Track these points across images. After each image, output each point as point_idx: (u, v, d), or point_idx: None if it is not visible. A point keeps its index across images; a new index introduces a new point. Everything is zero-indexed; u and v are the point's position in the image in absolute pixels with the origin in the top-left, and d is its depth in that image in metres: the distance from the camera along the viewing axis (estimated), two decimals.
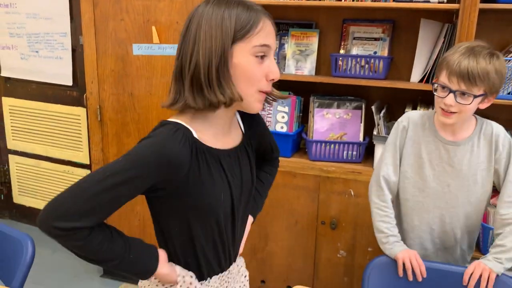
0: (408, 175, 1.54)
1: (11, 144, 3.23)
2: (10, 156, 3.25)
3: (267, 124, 2.17)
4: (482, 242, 1.97)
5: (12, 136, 3.20)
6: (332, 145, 2.13)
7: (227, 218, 1.06)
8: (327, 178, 2.09)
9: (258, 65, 0.97)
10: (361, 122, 2.15)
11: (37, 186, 3.21)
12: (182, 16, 2.11)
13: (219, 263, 1.10)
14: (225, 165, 1.04)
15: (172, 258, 1.06)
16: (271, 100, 1.08)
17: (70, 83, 2.82)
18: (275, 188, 2.17)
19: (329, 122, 2.16)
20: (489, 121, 1.51)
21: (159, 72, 2.22)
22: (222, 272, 1.12)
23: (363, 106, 2.15)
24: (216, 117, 1.02)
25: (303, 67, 2.30)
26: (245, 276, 1.25)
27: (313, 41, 2.29)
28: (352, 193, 2.06)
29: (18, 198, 3.32)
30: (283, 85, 2.30)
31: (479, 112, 1.48)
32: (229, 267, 1.14)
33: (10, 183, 3.32)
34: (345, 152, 2.13)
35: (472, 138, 1.47)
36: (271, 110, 2.18)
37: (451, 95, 1.35)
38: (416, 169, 1.52)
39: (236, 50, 0.95)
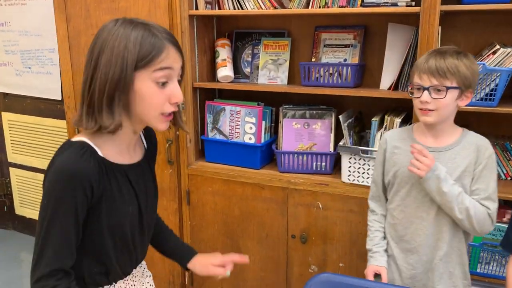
0: (393, 187, 1.53)
1: (11, 157, 3.34)
2: (10, 169, 3.36)
3: (236, 135, 2.14)
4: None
5: (12, 149, 3.31)
6: (301, 156, 2.06)
7: (134, 227, 1.11)
8: (295, 190, 2.02)
9: (159, 90, 1.00)
10: (331, 132, 2.07)
11: (35, 198, 3.30)
12: None
13: (124, 270, 1.14)
14: (132, 178, 1.09)
15: (78, 271, 1.05)
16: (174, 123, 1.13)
17: (59, 97, 2.89)
18: (244, 200, 2.15)
19: (298, 132, 2.09)
20: (475, 133, 1.49)
21: None
22: (126, 276, 1.16)
23: (333, 116, 2.08)
24: (120, 136, 1.05)
25: (275, 77, 2.25)
26: (149, 276, 1.28)
27: (286, 50, 2.24)
28: (320, 205, 1.99)
29: (20, 209, 3.42)
30: (256, 96, 2.27)
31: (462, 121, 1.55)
32: (132, 270, 1.18)
33: (12, 195, 3.43)
34: (314, 163, 2.06)
35: (453, 146, 1.45)
36: (240, 121, 2.14)
37: (426, 92, 1.37)
38: (398, 180, 1.51)
39: (137, 78, 0.97)
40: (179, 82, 1.06)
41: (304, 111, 2.10)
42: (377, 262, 1.54)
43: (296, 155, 2.06)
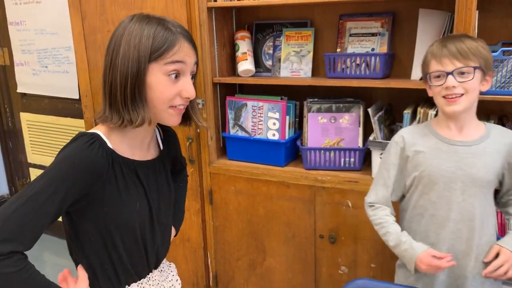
0: (417, 189, 1.40)
1: (31, 158, 3.31)
2: (30, 169, 3.34)
3: (259, 132, 2.05)
4: None
5: (31, 150, 3.28)
6: (328, 152, 1.96)
7: (145, 227, 1.10)
8: (322, 188, 1.93)
9: (171, 84, 1.01)
10: (359, 126, 1.97)
11: None
12: None
13: (137, 271, 1.11)
14: (142, 176, 1.09)
15: (90, 267, 1.06)
16: (191, 120, 1.14)
17: (76, 96, 2.83)
18: (269, 199, 2.06)
19: (324, 127, 1.99)
20: (497, 125, 1.42)
21: None
22: (140, 279, 1.13)
23: (361, 109, 1.97)
24: (134, 132, 1.07)
25: (299, 69, 2.15)
26: (177, 281, 1.24)
27: (309, 41, 2.14)
28: (350, 204, 1.89)
29: None
30: (278, 90, 2.17)
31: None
32: (148, 274, 1.15)
33: None
34: (342, 159, 1.96)
35: (484, 139, 1.34)
36: (262, 117, 2.05)
37: (450, 76, 1.26)
38: (426, 181, 1.37)
39: (150, 70, 0.99)
40: (193, 78, 1.05)
41: (330, 105, 2.00)
42: (421, 247, 1.34)
43: (322, 151, 1.96)
